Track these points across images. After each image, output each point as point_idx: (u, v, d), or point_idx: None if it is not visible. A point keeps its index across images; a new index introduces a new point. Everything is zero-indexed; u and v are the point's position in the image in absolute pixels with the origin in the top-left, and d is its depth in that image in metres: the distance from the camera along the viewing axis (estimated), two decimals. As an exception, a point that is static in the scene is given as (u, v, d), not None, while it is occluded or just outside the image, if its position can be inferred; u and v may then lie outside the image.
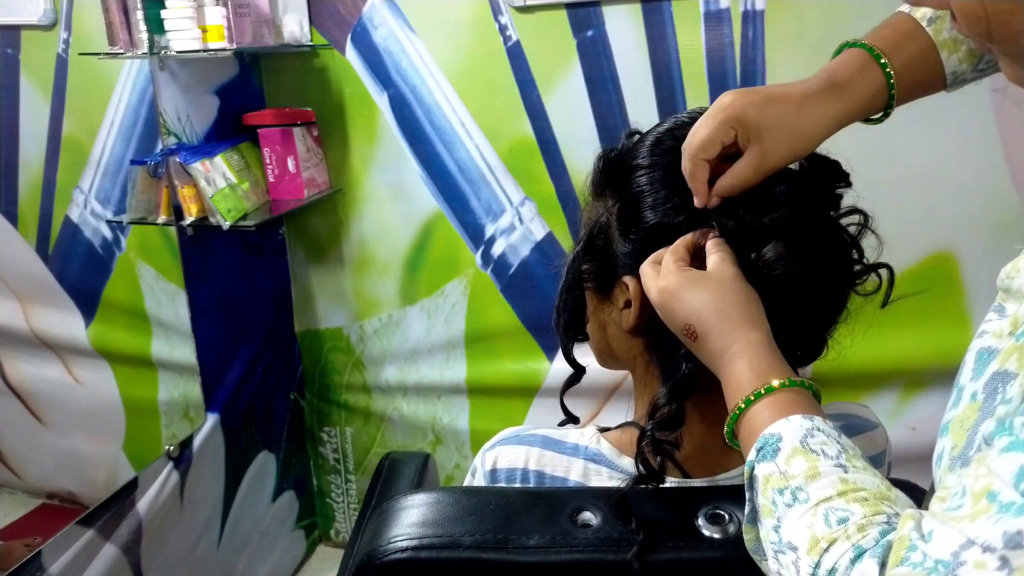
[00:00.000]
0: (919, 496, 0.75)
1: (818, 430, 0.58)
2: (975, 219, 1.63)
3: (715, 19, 1.64)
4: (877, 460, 0.85)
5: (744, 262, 0.70)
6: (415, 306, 2.06)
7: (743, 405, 0.63)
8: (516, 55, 1.77)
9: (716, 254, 0.70)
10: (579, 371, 0.92)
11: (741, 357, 0.65)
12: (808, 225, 0.70)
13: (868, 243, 0.78)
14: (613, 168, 0.79)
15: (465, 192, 1.90)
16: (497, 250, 1.92)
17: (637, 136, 0.80)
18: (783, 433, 0.58)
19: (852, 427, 0.84)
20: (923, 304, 1.68)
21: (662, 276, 0.70)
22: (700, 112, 0.75)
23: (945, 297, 1.68)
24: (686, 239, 0.72)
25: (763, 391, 0.62)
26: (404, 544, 0.65)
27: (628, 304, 0.76)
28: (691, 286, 0.68)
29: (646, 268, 0.72)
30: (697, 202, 0.71)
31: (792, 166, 0.74)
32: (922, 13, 0.81)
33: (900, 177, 1.64)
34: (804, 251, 0.69)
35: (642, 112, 1.72)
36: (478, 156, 1.86)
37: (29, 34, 1.84)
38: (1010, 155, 1.58)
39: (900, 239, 1.65)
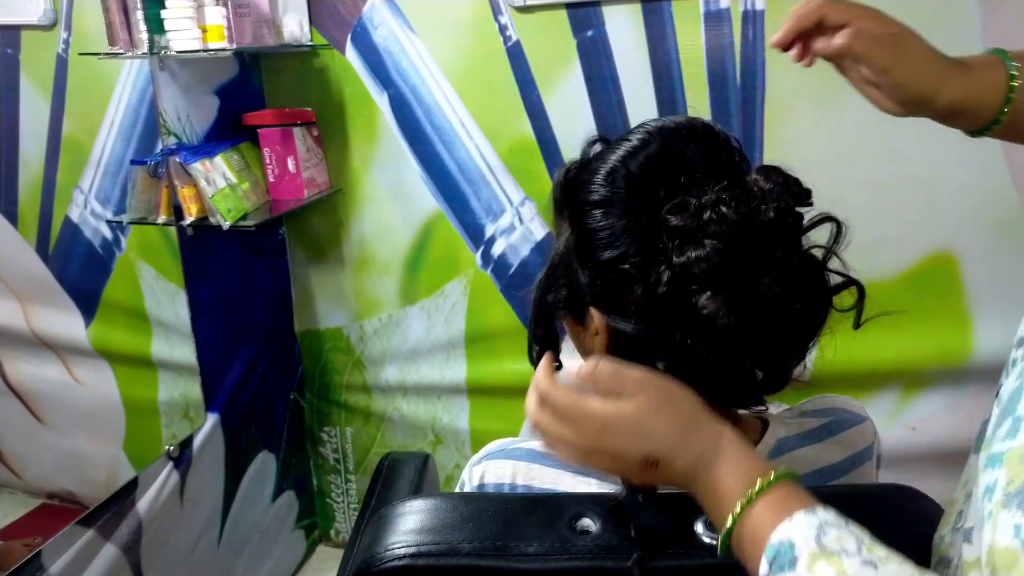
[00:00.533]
0: (919, 500, 0.75)
1: (827, 524, 0.54)
2: (975, 219, 1.63)
3: (715, 19, 1.64)
4: (865, 454, 0.84)
5: (683, 306, 0.65)
6: (415, 306, 2.06)
7: (738, 512, 0.58)
8: (516, 55, 1.77)
9: (608, 368, 0.65)
10: None
11: (717, 463, 0.61)
12: (752, 266, 0.65)
13: (838, 257, 0.72)
14: (569, 189, 0.75)
15: (465, 192, 1.90)
16: (497, 250, 1.92)
17: (599, 145, 0.76)
18: (793, 538, 0.54)
19: (841, 421, 0.84)
20: (923, 304, 1.68)
21: (580, 419, 0.64)
22: (650, 132, 0.72)
23: (945, 297, 1.68)
24: (580, 374, 0.66)
25: (755, 494, 0.58)
26: (402, 551, 0.65)
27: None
28: (630, 418, 0.63)
29: (540, 416, 0.67)
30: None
31: (762, 183, 0.68)
32: None
33: (900, 177, 1.63)
34: (746, 298, 0.64)
35: (642, 112, 1.72)
36: (478, 156, 1.86)
37: (29, 34, 1.84)
38: (1010, 155, 1.57)
39: (900, 239, 1.66)
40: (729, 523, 0.59)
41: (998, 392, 0.56)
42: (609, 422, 0.63)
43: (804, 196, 0.68)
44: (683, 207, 0.66)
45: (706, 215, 0.65)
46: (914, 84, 0.73)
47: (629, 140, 0.72)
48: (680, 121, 0.73)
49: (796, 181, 0.68)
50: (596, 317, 0.73)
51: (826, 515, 0.55)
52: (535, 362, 0.85)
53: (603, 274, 0.70)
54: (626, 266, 0.68)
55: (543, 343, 0.82)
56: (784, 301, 0.66)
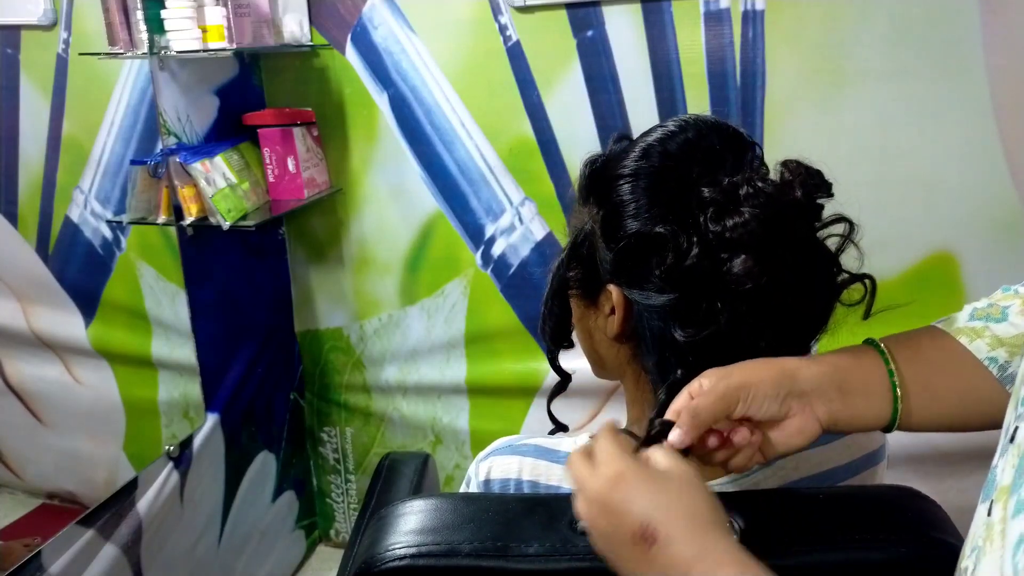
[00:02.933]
0: (919, 500, 0.75)
1: None
2: (975, 219, 1.63)
3: (715, 19, 1.64)
4: (874, 456, 0.85)
5: (712, 274, 0.67)
6: (415, 306, 2.06)
7: None
8: (516, 55, 1.77)
9: (665, 453, 0.63)
10: (565, 379, 0.92)
11: (726, 565, 0.55)
12: (783, 239, 0.68)
13: (856, 247, 0.75)
14: (598, 176, 0.78)
15: (465, 192, 1.90)
16: (497, 250, 1.92)
17: (625, 141, 0.79)
18: None
19: None
20: (923, 304, 1.68)
21: (605, 462, 0.61)
22: (687, 120, 0.74)
23: (945, 297, 1.68)
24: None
25: None
26: (402, 552, 0.65)
27: (613, 311, 0.76)
28: (649, 478, 0.59)
29: (575, 457, 0.63)
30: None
31: (773, 176, 0.71)
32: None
33: (900, 177, 1.64)
34: (776, 266, 0.66)
35: (642, 112, 1.72)
36: (478, 156, 1.86)
37: (29, 34, 1.84)
38: (1010, 155, 1.57)
39: (900, 239, 1.66)
40: None
41: (1012, 435, 0.51)
42: (619, 469, 0.59)
43: (825, 187, 0.70)
44: (717, 182, 0.69)
45: (743, 189, 0.68)
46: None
47: (666, 126, 0.75)
48: (713, 119, 0.75)
49: (818, 172, 0.71)
50: (615, 293, 0.75)
51: None
52: (545, 336, 0.86)
53: (629, 246, 0.72)
54: (654, 235, 0.70)
55: (558, 320, 0.84)
56: (806, 277, 0.69)
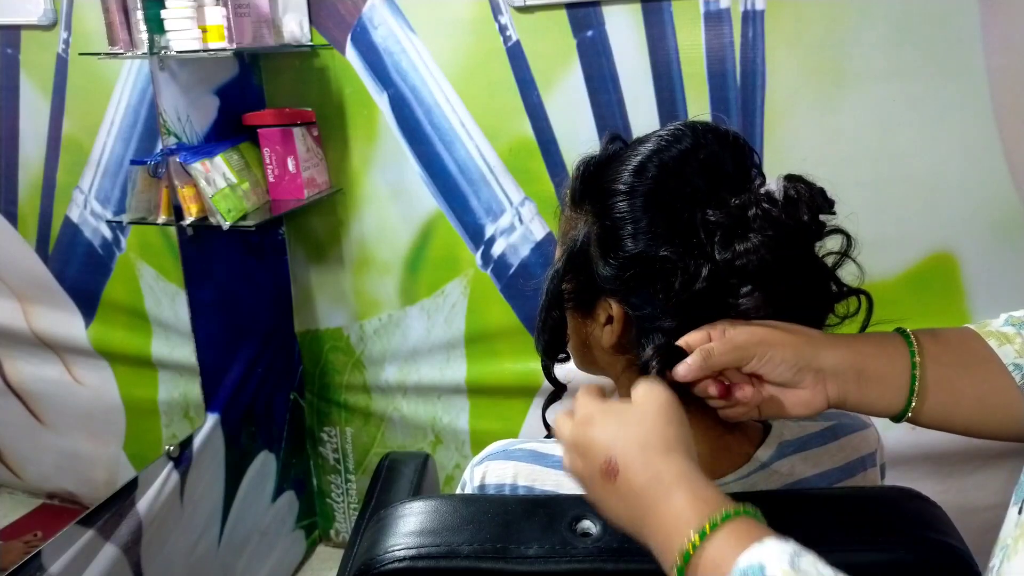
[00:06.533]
0: (918, 501, 0.75)
1: (802, 551, 0.50)
2: (975, 219, 1.63)
3: (715, 19, 1.64)
4: (868, 460, 0.85)
5: (719, 299, 0.68)
6: (415, 306, 2.06)
7: (697, 540, 0.53)
8: (516, 55, 1.77)
9: (643, 383, 0.65)
10: (560, 388, 0.91)
11: (677, 488, 0.56)
12: (789, 262, 0.67)
13: (856, 263, 0.75)
14: (593, 182, 0.76)
15: (465, 192, 1.90)
16: (497, 250, 1.92)
17: (619, 143, 0.77)
18: (764, 560, 0.50)
19: (843, 427, 0.84)
20: (923, 304, 1.68)
21: (578, 407, 0.65)
22: (681, 129, 0.73)
23: (945, 297, 1.68)
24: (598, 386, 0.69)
25: (720, 519, 0.53)
26: (402, 554, 0.65)
27: (610, 320, 0.75)
28: (613, 413, 0.63)
29: (558, 416, 0.67)
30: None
31: (772, 186, 0.70)
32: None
33: (900, 177, 1.64)
34: (783, 291, 0.67)
35: (642, 112, 1.72)
36: (478, 156, 1.86)
37: (29, 34, 1.84)
38: (1010, 155, 1.57)
39: (900, 239, 1.66)
40: (686, 552, 0.53)
41: None
42: (596, 414, 0.63)
43: (828, 206, 0.70)
44: (722, 203, 0.68)
45: (751, 211, 0.67)
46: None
47: (661, 135, 0.73)
48: (710, 123, 0.74)
49: (822, 191, 0.70)
50: (615, 307, 0.74)
51: (800, 547, 0.51)
52: (539, 349, 0.85)
53: (632, 266, 0.70)
54: (659, 258, 0.69)
55: (553, 332, 0.83)
56: (808, 297, 0.69)
